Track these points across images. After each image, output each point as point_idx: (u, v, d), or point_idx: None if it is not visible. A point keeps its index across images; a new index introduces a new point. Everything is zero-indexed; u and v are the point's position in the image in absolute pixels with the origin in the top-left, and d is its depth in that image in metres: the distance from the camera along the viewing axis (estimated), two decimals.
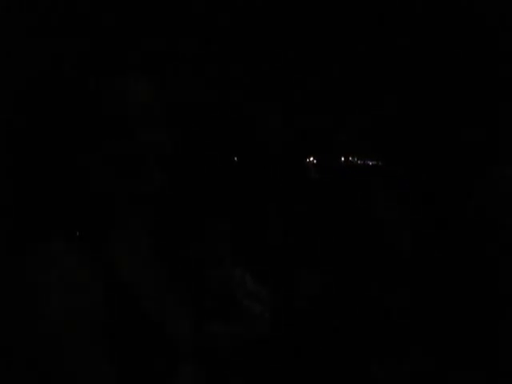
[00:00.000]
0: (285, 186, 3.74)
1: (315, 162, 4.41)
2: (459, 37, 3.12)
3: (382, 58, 3.73)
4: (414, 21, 3.16)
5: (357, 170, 4.71)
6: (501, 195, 2.59)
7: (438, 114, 3.52)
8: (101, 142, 0.83)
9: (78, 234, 0.83)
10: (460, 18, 3.04)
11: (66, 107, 0.84)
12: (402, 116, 3.97)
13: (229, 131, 3.48)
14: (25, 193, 0.89)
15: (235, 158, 4.21)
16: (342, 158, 5.04)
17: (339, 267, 2.77)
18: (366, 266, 2.76)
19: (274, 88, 3.53)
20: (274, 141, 3.72)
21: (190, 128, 3.24)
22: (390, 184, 2.98)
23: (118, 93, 0.86)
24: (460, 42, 3.13)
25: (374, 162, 4.88)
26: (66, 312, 0.74)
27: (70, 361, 0.73)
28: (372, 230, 2.93)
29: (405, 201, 2.89)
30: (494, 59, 3.05)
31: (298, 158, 4.21)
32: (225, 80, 3.23)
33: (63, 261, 0.78)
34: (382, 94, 4.02)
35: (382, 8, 3.20)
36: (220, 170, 3.85)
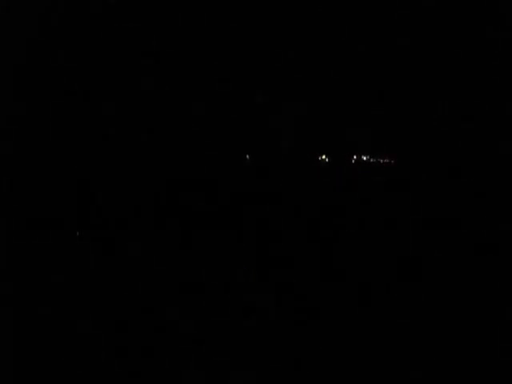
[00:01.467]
0: (296, 185, 3.76)
1: (327, 160, 4.42)
2: (468, 38, 3.11)
3: (394, 59, 3.73)
4: (422, 21, 3.15)
5: (367, 170, 4.70)
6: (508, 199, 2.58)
7: (451, 117, 3.51)
8: (107, 141, 0.85)
9: (90, 231, 0.86)
10: (462, 18, 3.03)
11: (72, 106, 0.86)
12: (415, 116, 3.96)
13: (241, 131, 3.50)
14: (37, 191, 0.91)
15: (247, 157, 4.24)
16: (355, 157, 5.04)
17: (346, 267, 2.79)
18: (371, 265, 2.77)
19: (286, 87, 3.55)
20: (285, 140, 3.75)
21: (200, 127, 3.27)
22: (399, 184, 2.99)
23: (123, 91, 0.87)
24: (469, 44, 3.12)
25: (387, 161, 4.88)
26: (74, 306, 0.76)
27: (75, 356, 0.75)
28: (379, 228, 2.93)
29: (413, 201, 2.89)
30: (503, 65, 3.04)
31: (310, 156, 4.22)
32: (237, 80, 3.25)
33: (75, 256, 0.80)
34: (394, 95, 4.01)
35: (388, 8, 3.20)
36: (230, 169, 3.88)
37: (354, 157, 5.17)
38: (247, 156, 5.42)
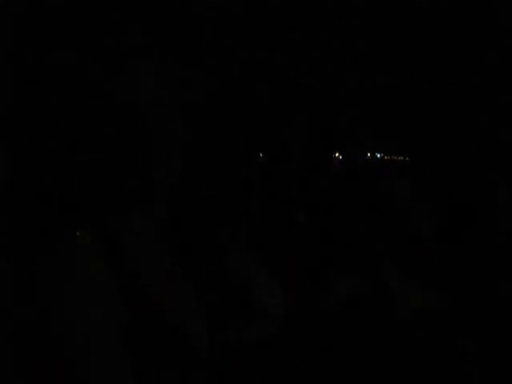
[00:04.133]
0: (309, 182, 3.77)
1: (340, 158, 4.42)
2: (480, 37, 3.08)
3: (409, 58, 3.72)
4: (424, 21, 3.15)
5: (381, 165, 4.68)
6: None
7: (468, 115, 3.48)
8: (112, 137, 0.82)
9: (95, 233, 0.83)
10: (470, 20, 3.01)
11: (78, 97, 0.83)
12: (428, 114, 3.94)
13: (254, 130, 3.53)
14: (41, 192, 0.90)
15: (260, 155, 4.26)
16: (368, 154, 5.04)
17: (367, 265, 2.77)
18: (390, 257, 2.75)
19: (297, 86, 3.57)
20: (298, 139, 3.76)
21: (212, 126, 3.31)
22: (413, 177, 2.98)
23: (132, 87, 0.85)
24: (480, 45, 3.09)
25: (401, 158, 4.86)
26: (87, 314, 0.76)
27: (90, 363, 0.74)
28: (396, 222, 2.92)
29: (428, 194, 2.88)
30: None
31: (323, 153, 4.23)
32: (249, 81, 3.28)
33: (85, 263, 0.79)
34: (407, 92, 4.00)
35: (402, 10, 3.20)
36: (243, 167, 3.90)
37: (368, 154, 5.16)
38: (260, 154, 5.45)
